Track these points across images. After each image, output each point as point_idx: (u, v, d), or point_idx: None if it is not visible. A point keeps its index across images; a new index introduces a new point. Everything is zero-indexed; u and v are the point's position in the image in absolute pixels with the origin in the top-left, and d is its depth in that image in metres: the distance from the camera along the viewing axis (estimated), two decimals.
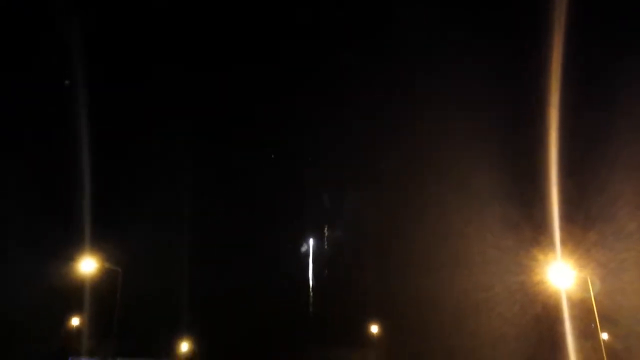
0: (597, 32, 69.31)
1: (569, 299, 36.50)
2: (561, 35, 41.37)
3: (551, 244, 38.90)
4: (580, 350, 37.62)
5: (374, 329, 72.87)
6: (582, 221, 50.96)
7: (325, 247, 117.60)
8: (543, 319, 50.45)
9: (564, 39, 41.12)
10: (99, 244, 39.51)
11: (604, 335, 38.45)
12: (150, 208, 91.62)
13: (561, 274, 33.81)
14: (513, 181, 65.87)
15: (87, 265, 34.45)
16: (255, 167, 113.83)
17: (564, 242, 38.16)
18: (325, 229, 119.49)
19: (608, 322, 39.32)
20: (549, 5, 40.00)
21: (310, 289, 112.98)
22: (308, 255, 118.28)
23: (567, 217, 43.39)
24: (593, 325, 33.79)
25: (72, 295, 55.39)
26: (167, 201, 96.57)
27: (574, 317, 37.73)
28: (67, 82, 68.75)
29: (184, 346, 66.98)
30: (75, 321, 62.44)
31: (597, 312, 31.90)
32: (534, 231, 53.08)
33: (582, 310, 36.36)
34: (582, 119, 58.79)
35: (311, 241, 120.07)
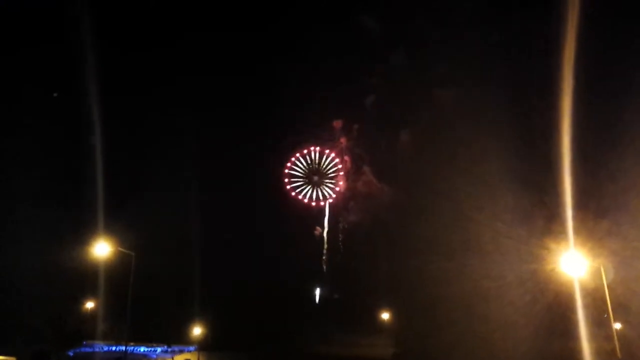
0: (613, 21, 68.58)
1: (582, 288, 36.14)
2: (575, 22, 41.07)
3: (564, 232, 38.54)
4: (593, 338, 37.43)
5: (385, 315, 73.12)
6: (595, 210, 50.61)
7: (340, 235, 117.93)
8: (555, 308, 50.26)
9: (578, 26, 40.85)
10: (113, 228, 39.67)
11: (617, 325, 38.14)
12: (163, 191, 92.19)
13: (574, 263, 33.43)
14: (526, 170, 65.51)
15: (101, 249, 34.53)
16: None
17: (577, 230, 37.75)
18: (340, 219, 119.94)
19: (622, 310, 39.04)
20: None
21: (324, 275, 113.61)
22: (323, 241, 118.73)
23: (580, 206, 43.06)
24: (605, 315, 33.48)
25: (86, 278, 55.95)
26: (179, 184, 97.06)
27: (586, 306, 37.46)
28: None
29: (197, 330, 67.49)
30: (89, 304, 63.17)
31: (611, 300, 31.59)
32: (547, 220, 52.81)
33: (595, 298, 36.07)
34: (595, 107, 58.27)
35: (326, 227, 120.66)
